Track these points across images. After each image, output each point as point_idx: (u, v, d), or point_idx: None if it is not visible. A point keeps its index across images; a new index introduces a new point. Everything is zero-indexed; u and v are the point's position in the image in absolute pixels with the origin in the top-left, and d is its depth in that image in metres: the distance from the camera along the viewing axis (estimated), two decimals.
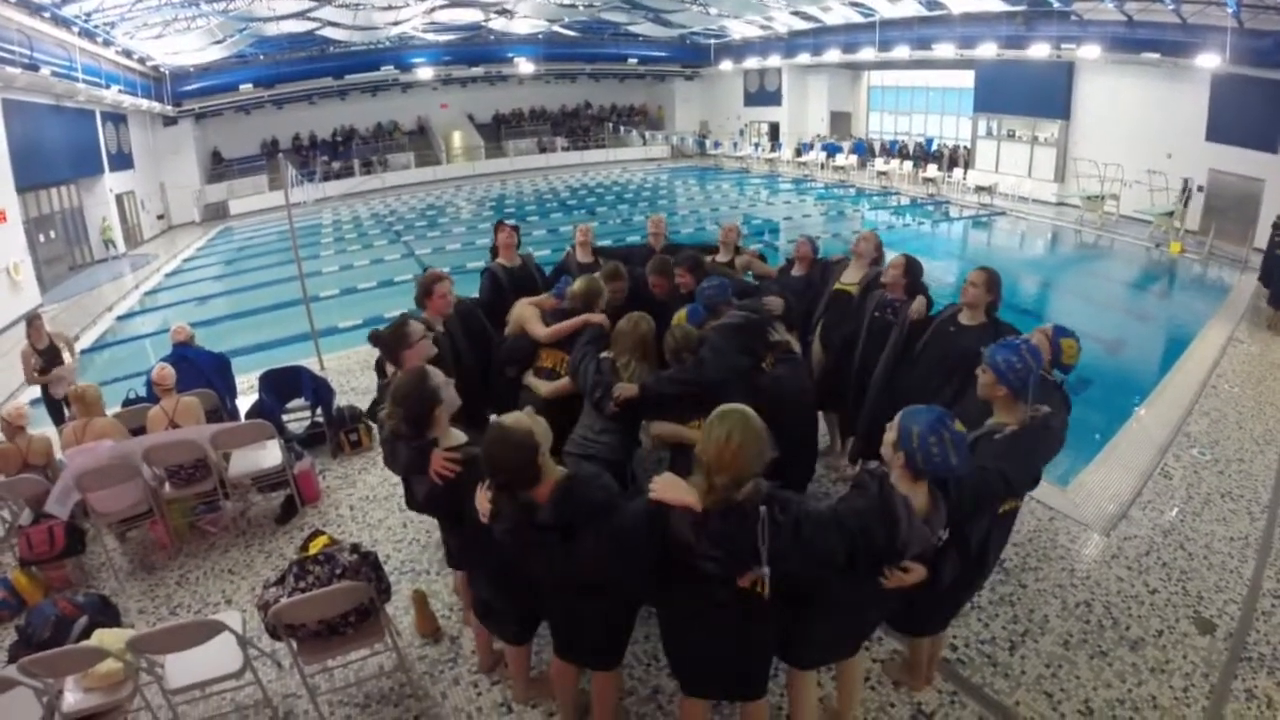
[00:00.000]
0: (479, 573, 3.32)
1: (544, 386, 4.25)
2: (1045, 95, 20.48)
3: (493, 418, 3.53)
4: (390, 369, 3.78)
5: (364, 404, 6.55)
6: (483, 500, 2.69)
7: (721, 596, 2.51)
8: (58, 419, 6.69)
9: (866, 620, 3.05)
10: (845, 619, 2.89)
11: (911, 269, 4.82)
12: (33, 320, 7.02)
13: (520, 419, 2.58)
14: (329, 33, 24.71)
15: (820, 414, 5.52)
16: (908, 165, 25.18)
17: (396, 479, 5.92)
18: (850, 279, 5.32)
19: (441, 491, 2.93)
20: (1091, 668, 3.81)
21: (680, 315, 4.29)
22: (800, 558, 2.31)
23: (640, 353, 3.84)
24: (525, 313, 4.54)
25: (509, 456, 2.49)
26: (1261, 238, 13.91)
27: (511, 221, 5.79)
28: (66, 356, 7.02)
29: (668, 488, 2.42)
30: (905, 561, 2.47)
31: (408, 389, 2.98)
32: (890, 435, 2.53)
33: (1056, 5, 18.00)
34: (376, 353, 3.93)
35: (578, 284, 4.53)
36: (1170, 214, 16.09)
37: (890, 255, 5.20)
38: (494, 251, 5.73)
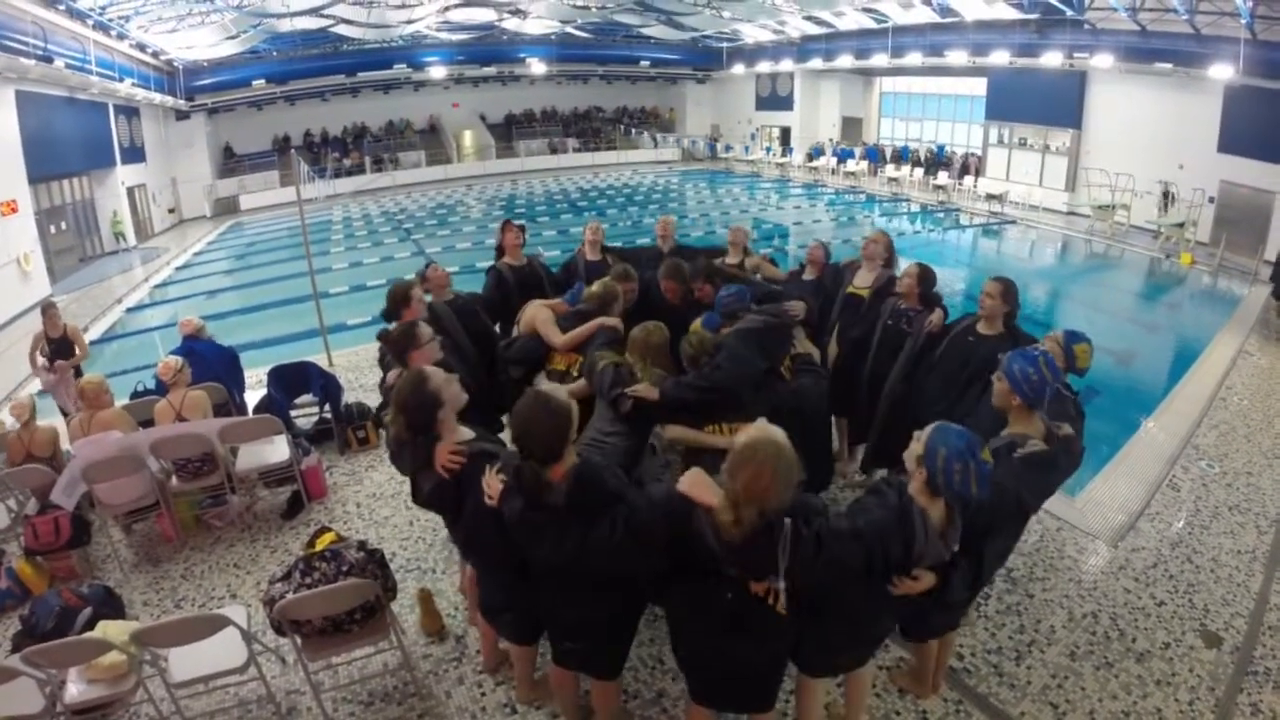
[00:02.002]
0: (483, 568, 3.30)
1: (562, 390, 4.22)
2: (1057, 104, 20.42)
3: (530, 388, 3.46)
4: (393, 373, 3.73)
5: (372, 401, 6.56)
6: (492, 481, 2.69)
7: (732, 603, 2.51)
8: (66, 411, 6.70)
9: (881, 627, 3.00)
10: (860, 626, 2.87)
11: (925, 278, 4.78)
12: (47, 309, 7.01)
13: (559, 389, 2.65)
14: (342, 30, 24.76)
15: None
16: (919, 172, 25.14)
17: (403, 477, 5.95)
18: (861, 282, 5.28)
19: (448, 486, 2.91)
20: (1097, 679, 3.79)
21: (696, 324, 4.18)
22: (820, 570, 2.32)
23: (652, 359, 3.79)
24: (540, 315, 4.47)
25: (543, 422, 2.53)
26: (1273, 250, 13.86)
27: (519, 221, 5.78)
28: (76, 351, 7.03)
29: (696, 485, 2.45)
30: (916, 570, 2.47)
31: (408, 395, 2.88)
32: (916, 448, 2.46)
33: (1069, 14, 17.92)
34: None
35: (595, 287, 4.51)
36: (1181, 225, 16.02)
37: (903, 263, 5.17)
38: (499, 251, 5.72)
